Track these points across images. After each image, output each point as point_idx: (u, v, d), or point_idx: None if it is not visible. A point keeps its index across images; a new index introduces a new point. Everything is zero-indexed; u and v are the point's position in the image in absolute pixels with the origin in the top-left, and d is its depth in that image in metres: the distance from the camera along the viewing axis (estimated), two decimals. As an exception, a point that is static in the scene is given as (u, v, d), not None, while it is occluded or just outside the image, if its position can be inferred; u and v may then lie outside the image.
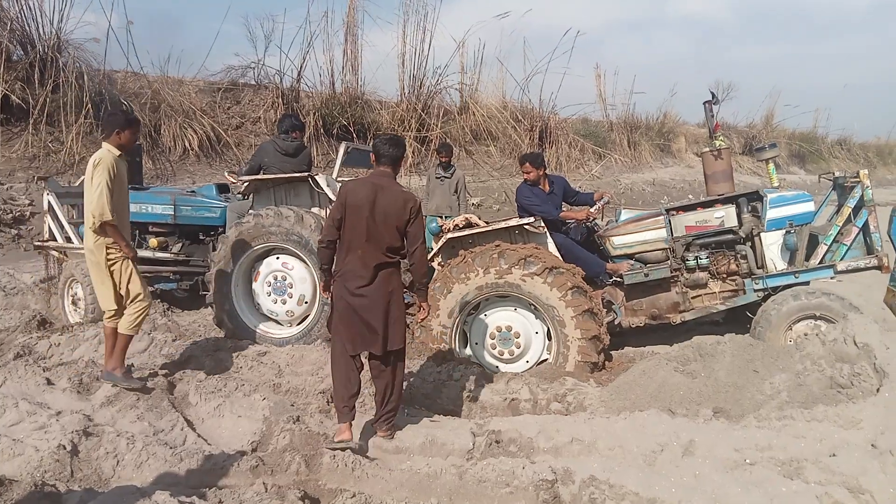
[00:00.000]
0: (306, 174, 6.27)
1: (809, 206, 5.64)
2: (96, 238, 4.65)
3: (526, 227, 5.62)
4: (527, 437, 3.82)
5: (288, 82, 16.12)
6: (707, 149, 6.11)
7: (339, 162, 6.72)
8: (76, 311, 6.95)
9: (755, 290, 5.61)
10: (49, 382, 4.82)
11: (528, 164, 6.29)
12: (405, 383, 4.73)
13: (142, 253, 6.79)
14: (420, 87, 17.20)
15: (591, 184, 18.18)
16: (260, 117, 15.64)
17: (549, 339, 5.37)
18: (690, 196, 19.58)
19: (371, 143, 4.40)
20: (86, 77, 12.81)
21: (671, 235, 5.79)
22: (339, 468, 3.56)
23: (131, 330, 4.78)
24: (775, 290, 5.53)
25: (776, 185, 6.03)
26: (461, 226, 5.74)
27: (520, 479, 3.31)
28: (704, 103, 6.22)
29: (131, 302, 4.76)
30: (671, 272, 5.73)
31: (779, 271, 5.58)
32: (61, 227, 7.26)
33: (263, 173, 6.47)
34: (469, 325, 5.56)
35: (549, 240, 5.70)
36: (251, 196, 6.48)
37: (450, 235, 5.66)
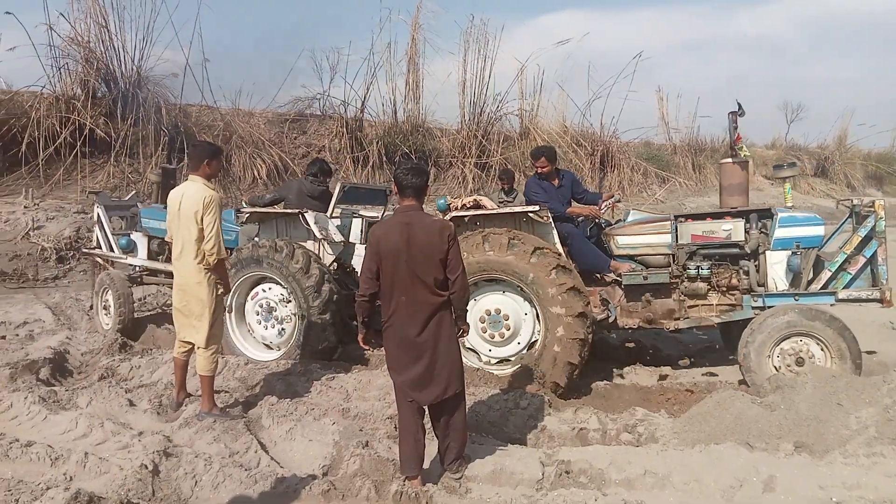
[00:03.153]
0: (297, 211, 6.55)
1: (819, 230, 5.51)
2: (208, 273, 4.73)
3: (531, 214, 5.64)
4: (597, 468, 3.75)
5: (352, 112, 16.61)
6: (729, 159, 5.99)
7: (334, 200, 6.90)
8: (108, 316, 7.52)
9: (752, 307, 5.48)
10: (131, 403, 5.04)
11: (543, 157, 6.31)
12: (472, 412, 4.72)
13: (161, 267, 7.49)
14: (480, 114, 17.39)
15: (655, 208, 17.88)
16: (325, 146, 16.11)
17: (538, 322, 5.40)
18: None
19: (393, 174, 4.05)
20: (163, 111, 13.55)
21: (675, 242, 5.74)
22: (408, 496, 3.57)
23: (211, 371, 4.83)
24: None
25: (790, 204, 5.92)
26: (469, 206, 5.82)
27: (592, 512, 3.25)
28: (729, 114, 6.09)
29: (212, 342, 4.83)
30: (671, 279, 5.67)
31: (779, 291, 5.45)
32: (107, 237, 8.02)
33: (284, 207, 6.92)
34: None
35: (554, 230, 5.70)
36: (258, 224, 6.87)
37: (454, 214, 5.73)
